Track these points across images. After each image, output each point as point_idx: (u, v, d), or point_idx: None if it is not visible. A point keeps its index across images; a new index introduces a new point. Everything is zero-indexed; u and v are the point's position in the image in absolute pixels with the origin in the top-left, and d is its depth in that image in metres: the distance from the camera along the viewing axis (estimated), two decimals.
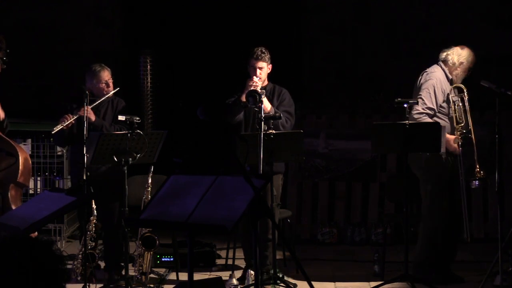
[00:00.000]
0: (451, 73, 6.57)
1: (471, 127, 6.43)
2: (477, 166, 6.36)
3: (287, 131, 6.52)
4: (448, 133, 6.45)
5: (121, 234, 6.46)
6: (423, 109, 6.42)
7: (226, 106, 6.66)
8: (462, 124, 6.45)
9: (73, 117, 6.40)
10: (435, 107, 6.45)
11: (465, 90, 6.48)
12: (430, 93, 6.45)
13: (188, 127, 8.51)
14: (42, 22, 9.34)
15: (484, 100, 6.84)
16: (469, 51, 6.59)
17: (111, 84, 6.72)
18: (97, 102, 6.60)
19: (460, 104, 6.47)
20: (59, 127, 6.36)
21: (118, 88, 6.74)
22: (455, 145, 6.43)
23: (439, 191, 6.50)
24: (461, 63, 6.57)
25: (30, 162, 6.19)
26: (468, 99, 6.45)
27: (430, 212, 6.55)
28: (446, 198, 6.50)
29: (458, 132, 6.43)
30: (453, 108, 6.48)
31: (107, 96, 6.65)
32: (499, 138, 6.06)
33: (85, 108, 6.28)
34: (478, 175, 6.36)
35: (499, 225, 6.06)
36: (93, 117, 6.49)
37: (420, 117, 6.40)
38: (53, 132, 6.39)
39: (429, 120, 6.41)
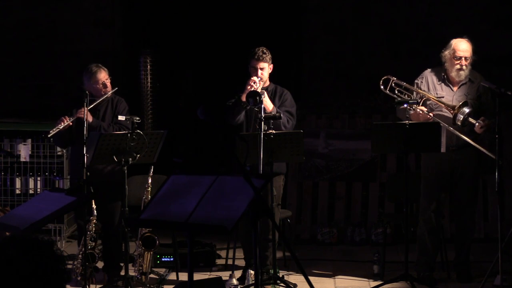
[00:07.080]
0: None
1: None
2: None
3: (288, 131, 6.52)
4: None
5: (121, 234, 6.46)
6: None
7: (227, 107, 6.65)
8: None
9: (70, 119, 6.40)
10: None
11: None
12: None
13: (188, 127, 8.51)
14: (42, 22, 9.33)
15: None
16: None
17: (108, 85, 6.68)
18: (95, 103, 6.58)
19: None
20: (55, 130, 6.36)
21: (116, 88, 6.71)
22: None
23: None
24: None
25: None
26: None
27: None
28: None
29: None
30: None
31: (105, 96, 6.63)
32: (499, 138, 6.06)
33: (84, 109, 6.28)
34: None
35: (499, 225, 6.06)
36: (90, 118, 6.47)
37: None
38: (49, 135, 6.42)
39: None
